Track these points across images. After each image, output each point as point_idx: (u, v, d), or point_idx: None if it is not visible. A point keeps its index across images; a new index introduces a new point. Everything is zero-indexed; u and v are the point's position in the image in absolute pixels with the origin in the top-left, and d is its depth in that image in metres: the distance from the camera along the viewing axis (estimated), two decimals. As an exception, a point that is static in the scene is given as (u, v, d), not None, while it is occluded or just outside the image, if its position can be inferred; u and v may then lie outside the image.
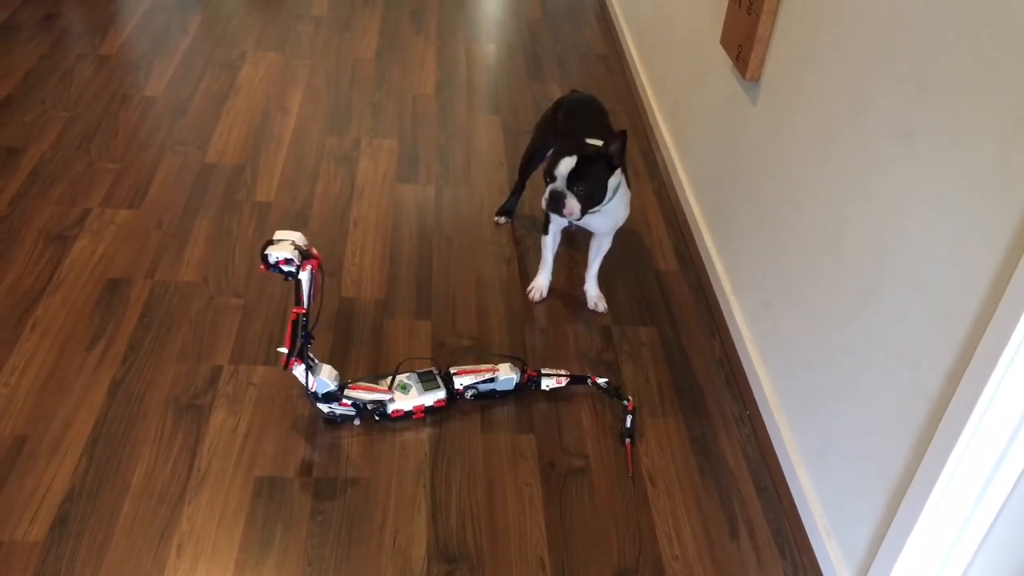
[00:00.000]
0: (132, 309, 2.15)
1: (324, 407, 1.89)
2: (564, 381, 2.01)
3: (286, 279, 1.72)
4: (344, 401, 1.88)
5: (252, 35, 3.54)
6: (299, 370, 1.82)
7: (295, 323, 1.76)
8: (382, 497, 1.77)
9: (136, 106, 2.98)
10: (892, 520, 1.45)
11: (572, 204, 1.99)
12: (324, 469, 1.82)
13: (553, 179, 2.00)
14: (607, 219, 2.14)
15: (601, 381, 2.02)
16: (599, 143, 2.07)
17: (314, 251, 1.73)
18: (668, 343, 2.22)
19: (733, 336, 2.17)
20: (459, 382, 1.96)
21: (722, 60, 2.33)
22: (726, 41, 2.22)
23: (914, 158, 1.41)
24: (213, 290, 2.24)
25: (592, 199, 2.02)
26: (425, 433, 1.92)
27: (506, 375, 1.97)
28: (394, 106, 3.13)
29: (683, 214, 2.63)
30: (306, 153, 2.82)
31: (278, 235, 1.73)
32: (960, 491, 1.33)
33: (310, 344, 1.80)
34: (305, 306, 1.75)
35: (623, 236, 2.58)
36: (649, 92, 3.16)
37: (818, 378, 1.73)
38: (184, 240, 2.40)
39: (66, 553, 1.61)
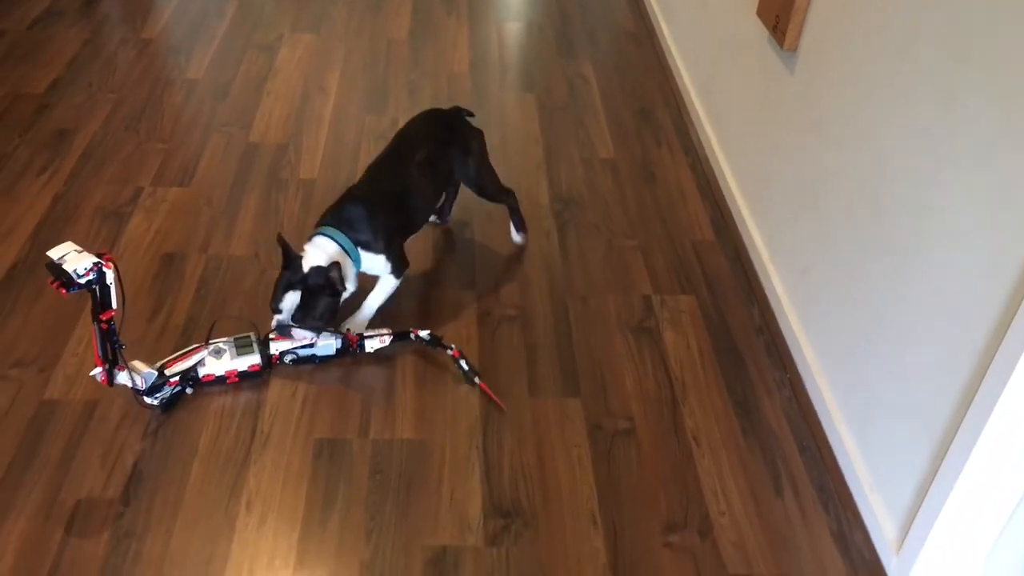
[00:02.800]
0: (188, 282, 2.23)
1: (156, 399, 1.86)
2: (387, 340, 2.02)
3: (89, 289, 1.60)
4: (172, 380, 1.87)
5: (287, 18, 3.60)
6: (123, 377, 1.78)
7: (107, 331, 1.67)
8: (437, 458, 1.84)
9: (180, 88, 3.06)
10: (935, 475, 1.49)
11: (302, 333, 1.96)
12: (380, 431, 1.89)
13: (278, 311, 1.93)
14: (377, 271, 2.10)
15: (423, 334, 2.02)
16: (324, 256, 1.95)
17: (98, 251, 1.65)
18: (707, 311, 2.27)
19: (772, 303, 2.22)
20: (275, 347, 1.97)
21: (757, 31, 2.36)
22: (763, 11, 2.25)
23: (954, 118, 1.45)
24: (264, 263, 2.31)
25: (325, 322, 1.96)
26: (475, 398, 1.98)
27: (326, 340, 1.98)
28: (429, 85, 3.19)
29: (718, 186, 2.67)
30: (346, 132, 2.88)
31: (56, 252, 1.58)
32: (1004, 444, 1.37)
33: (122, 348, 1.75)
34: (115, 307, 1.67)
35: (658, 208, 2.62)
36: (681, 66, 3.19)
37: (859, 339, 1.78)
38: (234, 216, 2.47)
39: (143, 508, 1.70)
